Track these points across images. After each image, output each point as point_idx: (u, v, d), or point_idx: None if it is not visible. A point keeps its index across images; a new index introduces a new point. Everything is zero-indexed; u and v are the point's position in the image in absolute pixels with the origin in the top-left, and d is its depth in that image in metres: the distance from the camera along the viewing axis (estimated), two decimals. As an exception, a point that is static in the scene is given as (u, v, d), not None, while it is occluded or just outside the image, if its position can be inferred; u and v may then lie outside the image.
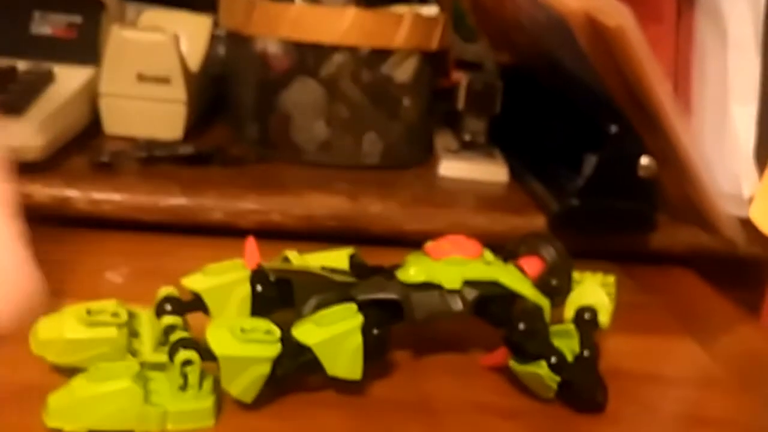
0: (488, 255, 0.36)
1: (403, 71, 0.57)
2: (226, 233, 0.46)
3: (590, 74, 0.47)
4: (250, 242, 0.38)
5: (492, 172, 0.57)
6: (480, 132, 0.59)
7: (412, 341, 0.36)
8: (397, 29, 0.54)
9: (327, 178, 0.52)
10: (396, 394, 0.33)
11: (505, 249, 0.38)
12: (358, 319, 0.31)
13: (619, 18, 0.41)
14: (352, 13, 0.53)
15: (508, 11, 0.57)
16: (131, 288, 0.40)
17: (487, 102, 0.58)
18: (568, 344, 0.34)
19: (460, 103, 0.59)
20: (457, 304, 0.34)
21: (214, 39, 0.65)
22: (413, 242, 0.39)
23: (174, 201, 0.46)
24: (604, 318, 0.36)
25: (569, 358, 0.33)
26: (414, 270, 0.34)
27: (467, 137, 0.60)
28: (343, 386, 0.32)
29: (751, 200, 0.51)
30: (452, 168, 0.57)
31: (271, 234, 0.46)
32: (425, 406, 0.32)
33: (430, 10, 0.58)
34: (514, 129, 0.61)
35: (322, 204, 0.48)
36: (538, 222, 0.50)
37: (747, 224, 0.51)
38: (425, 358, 0.36)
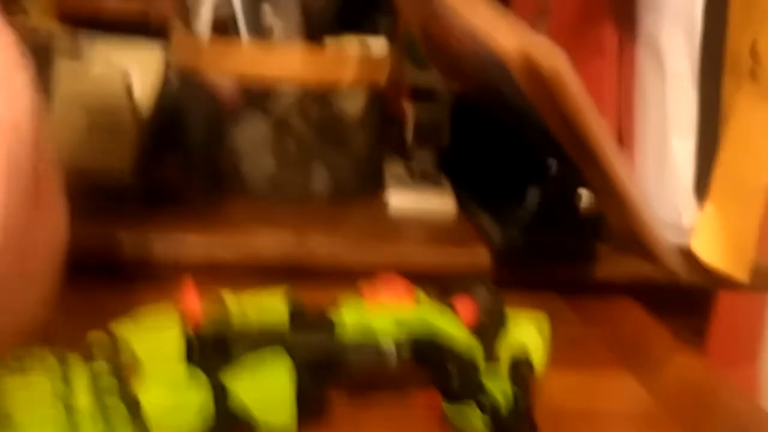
0: (422, 296, 0.36)
1: (352, 105, 0.57)
2: (169, 271, 0.45)
3: (530, 110, 0.48)
4: (189, 289, 0.38)
5: (440, 203, 0.58)
6: (428, 163, 0.60)
7: (347, 390, 0.37)
8: (345, 65, 0.55)
9: (274, 213, 0.53)
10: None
11: (439, 291, 0.38)
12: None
13: (553, 59, 0.42)
14: (299, 50, 0.54)
15: (454, 45, 0.58)
16: (68, 331, 0.39)
17: (433, 134, 0.59)
18: (500, 386, 0.34)
19: (409, 135, 0.59)
20: (393, 361, 0.34)
21: (168, 69, 0.65)
22: (359, 277, 0.39)
23: (115, 239, 0.46)
24: (537, 359, 0.37)
25: (501, 399, 0.33)
26: (349, 320, 0.34)
27: (416, 168, 0.60)
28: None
29: (691, 230, 0.52)
30: (400, 200, 0.58)
31: (215, 271, 0.46)
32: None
33: (378, 43, 0.59)
34: (464, 160, 0.62)
35: (267, 241, 0.48)
36: (482, 256, 0.50)
37: (688, 254, 0.52)
38: (361, 411, 0.36)
